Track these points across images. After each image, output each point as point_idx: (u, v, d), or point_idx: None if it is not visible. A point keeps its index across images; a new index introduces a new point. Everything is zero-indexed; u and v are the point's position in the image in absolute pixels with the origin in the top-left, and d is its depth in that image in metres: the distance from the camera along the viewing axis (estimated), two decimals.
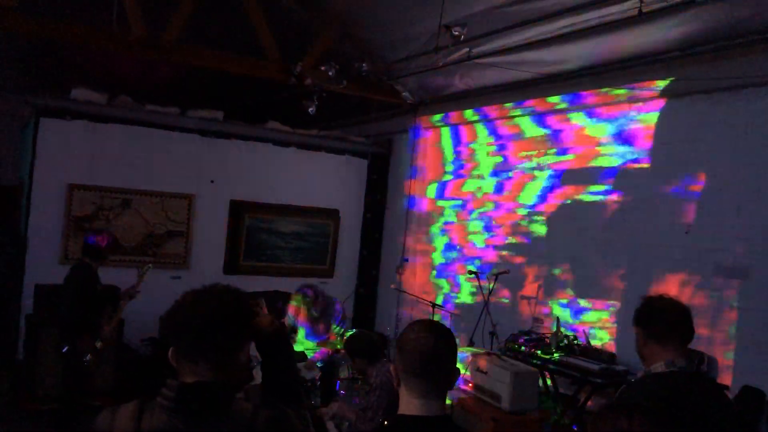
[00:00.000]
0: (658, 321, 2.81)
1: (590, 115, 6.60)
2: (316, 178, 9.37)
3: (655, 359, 2.78)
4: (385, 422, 2.03)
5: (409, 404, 2.02)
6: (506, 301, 7.31)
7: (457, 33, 5.49)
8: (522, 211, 7.30)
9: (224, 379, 1.96)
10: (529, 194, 7.22)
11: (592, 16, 5.48)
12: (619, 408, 1.90)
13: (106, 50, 7.55)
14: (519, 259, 7.27)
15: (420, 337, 2.03)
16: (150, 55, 7.30)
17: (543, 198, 7.04)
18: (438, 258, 8.63)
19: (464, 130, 8.37)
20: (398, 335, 2.12)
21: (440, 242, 8.62)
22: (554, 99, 6.85)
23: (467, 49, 6.51)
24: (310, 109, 7.65)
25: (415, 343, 2.02)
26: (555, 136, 6.98)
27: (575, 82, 6.58)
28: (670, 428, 1.85)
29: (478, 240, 7.93)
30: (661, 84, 5.80)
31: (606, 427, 1.85)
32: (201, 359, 1.94)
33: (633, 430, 1.80)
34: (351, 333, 5.57)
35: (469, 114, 8.17)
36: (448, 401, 5.35)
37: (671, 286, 5.46)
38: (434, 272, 8.66)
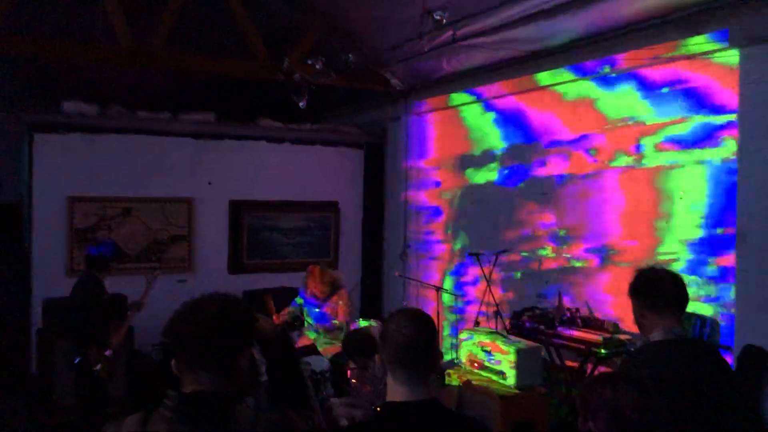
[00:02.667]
0: (653, 291, 2.90)
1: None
2: (313, 172, 9.39)
3: (654, 328, 2.86)
4: (378, 409, 2.12)
5: (396, 391, 2.11)
6: (509, 279, 7.35)
7: (438, 17, 5.51)
8: (525, 188, 7.32)
9: (225, 387, 2.00)
10: (534, 171, 7.21)
11: None
12: (604, 379, 1.97)
13: (95, 63, 7.58)
14: (523, 235, 7.29)
15: (401, 328, 2.12)
16: (138, 63, 7.32)
17: (545, 175, 7.05)
18: (441, 242, 8.68)
19: (460, 112, 8.36)
20: (381, 328, 2.22)
21: (442, 227, 8.67)
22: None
23: (451, 33, 6.52)
24: (301, 104, 7.67)
25: (396, 335, 2.12)
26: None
27: (566, 55, 6.57)
28: (655, 396, 1.92)
29: (483, 222, 7.97)
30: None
31: (593, 397, 1.93)
32: (201, 368, 1.99)
33: (617, 399, 1.88)
34: (345, 336, 5.61)
35: (462, 97, 8.17)
36: (455, 382, 5.44)
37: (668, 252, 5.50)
38: (439, 256, 8.72)
